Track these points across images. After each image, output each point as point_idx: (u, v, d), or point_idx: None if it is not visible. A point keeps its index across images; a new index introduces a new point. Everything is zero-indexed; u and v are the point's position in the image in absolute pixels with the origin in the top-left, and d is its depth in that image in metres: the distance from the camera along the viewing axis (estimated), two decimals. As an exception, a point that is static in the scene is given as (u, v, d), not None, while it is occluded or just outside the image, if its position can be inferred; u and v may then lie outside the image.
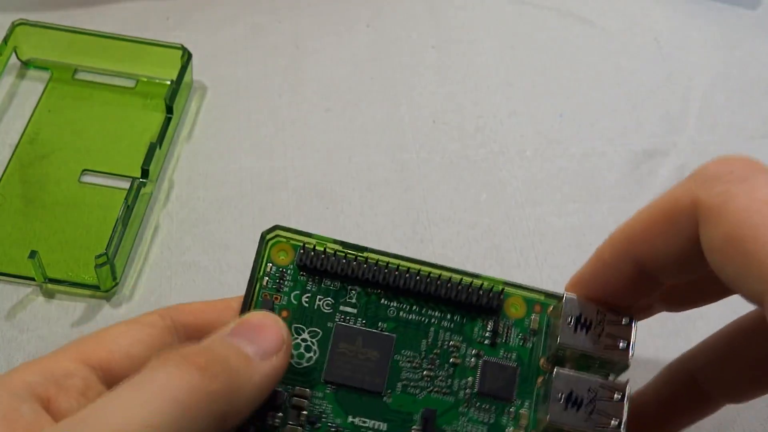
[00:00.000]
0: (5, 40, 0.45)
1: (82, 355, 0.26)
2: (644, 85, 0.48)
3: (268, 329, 0.26)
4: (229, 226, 0.42)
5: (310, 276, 0.29)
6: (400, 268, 0.29)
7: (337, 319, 0.29)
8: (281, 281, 0.29)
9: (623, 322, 0.28)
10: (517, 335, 0.29)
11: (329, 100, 0.47)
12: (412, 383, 0.28)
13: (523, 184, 0.44)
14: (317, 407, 0.28)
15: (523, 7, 0.51)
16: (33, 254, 0.38)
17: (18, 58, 0.47)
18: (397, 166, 0.44)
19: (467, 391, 0.28)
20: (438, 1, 0.51)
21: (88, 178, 0.43)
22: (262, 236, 0.29)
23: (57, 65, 0.47)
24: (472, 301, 0.29)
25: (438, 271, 0.29)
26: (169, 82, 0.46)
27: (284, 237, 0.29)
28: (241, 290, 0.40)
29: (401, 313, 0.29)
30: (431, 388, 0.28)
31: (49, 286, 0.40)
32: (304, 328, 0.28)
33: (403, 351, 0.29)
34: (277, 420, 0.28)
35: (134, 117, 0.45)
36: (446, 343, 0.29)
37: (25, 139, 0.44)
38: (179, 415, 0.22)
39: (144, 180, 0.41)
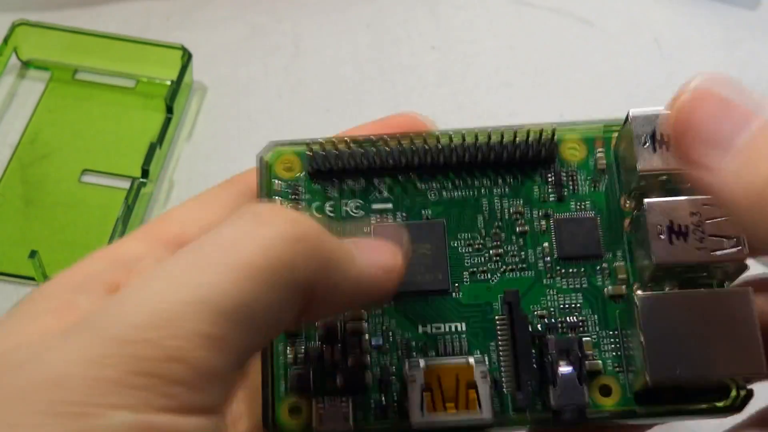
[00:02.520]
0: (5, 40, 0.45)
1: (151, 236, 0.23)
2: (644, 85, 0.48)
3: (382, 247, 0.22)
4: (229, 226, 0.42)
5: (328, 181, 0.25)
6: (427, 142, 0.24)
7: (373, 221, 0.24)
8: (296, 196, 0.25)
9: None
10: (585, 180, 0.25)
11: (329, 100, 0.47)
12: (480, 268, 0.24)
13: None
14: (378, 326, 0.24)
15: (523, 7, 0.51)
16: (33, 254, 0.38)
17: (18, 58, 0.47)
18: (397, 166, 0.44)
19: (547, 259, 0.24)
20: (438, 1, 0.51)
21: (88, 178, 0.43)
22: (259, 158, 0.25)
23: (57, 65, 0.47)
24: (521, 156, 0.24)
25: (471, 133, 0.25)
26: (169, 82, 0.46)
27: (284, 149, 0.25)
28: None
29: (444, 193, 0.25)
30: (503, 267, 0.24)
31: (49, 286, 0.40)
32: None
33: (459, 234, 0.24)
34: (336, 355, 0.23)
35: (134, 117, 0.45)
36: (506, 211, 0.25)
37: (25, 139, 0.44)
38: (245, 278, 0.18)
39: (144, 180, 0.41)
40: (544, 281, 0.24)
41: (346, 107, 0.47)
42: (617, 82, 0.48)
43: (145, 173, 0.41)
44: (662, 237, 0.22)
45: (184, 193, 0.43)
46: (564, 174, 0.25)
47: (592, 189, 0.25)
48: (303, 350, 0.23)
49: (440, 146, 0.25)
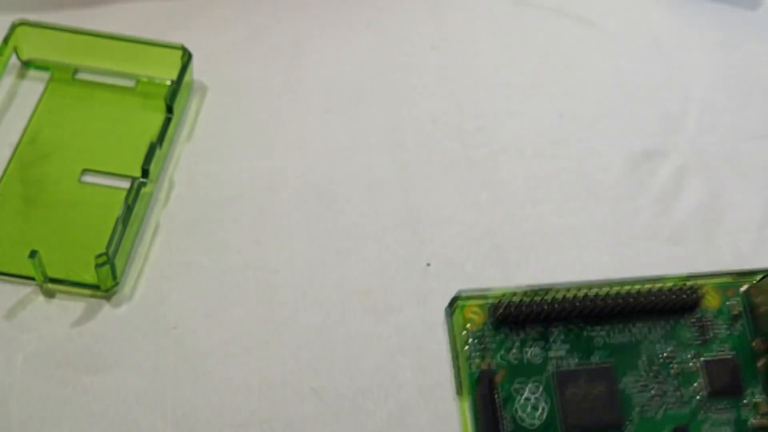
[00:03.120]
0: (5, 40, 0.45)
1: None
2: (644, 86, 0.48)
3: None
4: (229, 226, 0.42)
5: (509, 329, 0.28)
6: (594, 294, 0.28)
7: (550, 366, 0.28)
8: (483, 344, 0.28)
9: None
10: (723, 324, 0.29)
11: (329, 100, 0.47)
12: (645, 406, 0.28)
13: (523, 183, 0.44)
14: None
15: (523, 7, 0.51)
16: (33, 254, 0.38)
17: (18, 58, 0.47)
18: (397, 166, 0.44)
19: (698, 397, 0.28)
20: (438, 1, 0.51)
21: (88, 178, 0.43)
22: (448, 310, 0.28)
23: (57, 65, 0.47)
24: (671, 306, 0.28)
25: (626, 287, 0.28)
26: (169, 82, 0.46)
27: (468, 302, 0.29)
28: (241, 290, 0.40)
29: (609, 339, 0.28)
30: (664, 405, 0.28)
31: (49, 285, 0.40)
32: (524, 386, 0.28)
33: (624, 376, 0.28)
34: None
35: (134, 117, 0.45)
36: (661, 354, 0.28)
37: (25, 139, 0.44)
38: None
39: (144, 180, 0.41)
40: (699, 416, 0.28)
41: (346, 107, 0.47)
42: (617, 82, 0.48)
43: (145, 173, 0.41)
44: None
45: (184, 193, 0.43)
46: (705, 319, 0.29)
47: (729, 333, 0.29)
48: None
49: (603, 295, 0.28)
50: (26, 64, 0.47)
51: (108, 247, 0.38)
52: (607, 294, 0.28)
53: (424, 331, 0.39)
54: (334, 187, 0.44)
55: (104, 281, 0.39)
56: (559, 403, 0.27)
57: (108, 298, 0.40)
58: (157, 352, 0.38)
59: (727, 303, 0.29)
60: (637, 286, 0.28)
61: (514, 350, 0.28)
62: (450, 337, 0.28)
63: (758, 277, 0.28)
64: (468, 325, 0.28)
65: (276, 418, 0.37)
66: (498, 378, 0.27)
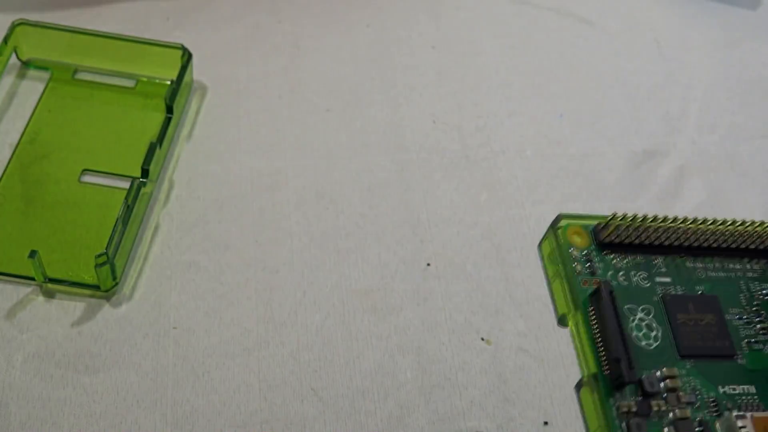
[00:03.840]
0: (5, 40, 0.45)
1: None
2: (644, 85, 0.48)
3: None
4: (229, 226, 0.42)
5: (614, 253, 0.28)
6: (696, 228, 0.28)
7: (659, 291, 0.28)
8: (591, 263, 0.28)
9: None
10: None
11: (329, 100, 0.47)
12: (752, 339, 0.28)
13: (523, 183, 0.44)
14: (687, 385, 0.27)
15: (523, 7, 0.51)
16: (33, 254, 0.38)
17: (18, 58, 0.47)
18: (397, 166, 0.44)
19: None
20: (438, 1, 0.51)
21: (88, 178, 0.43)
22: (552, 228, 0.29)
23: (57, 65, 0.47)
24: (765, 248, 0.29)
25: (727, 225, 0.29)
26: (169, 82, 0.46)
27: (571, 222, 0.29)
28: (241, 290, 0.40)
29: (710, 273, 0.29)
30: None
31: (49, 285, 0.40)
32: (636, 307, 0.28)
33: (730, 308, 0.28)
34: (662, 406, 0.27)
35: (134, 117, 0.45)
36: (761, 292, 0.29)
37: (25, 139, 0.44)
38: None
39: (144, 180, 0.41)
40: None
41: (346, 107, 0.47)
42: (617, 82, 0.48)
43: (145, 173, 0.41)
44: None
45: (184, 193, 0.43)
46: None
47: None
48: (630, 404, 0.26)
49: (704, 230, 0.29)
50: (26, 64, 0.47)
51: (108, 247, 0.38)
52: (707, 229, 0.29)
53: (424, 331, 0.39)
54: (334, 187, 0.44)
55: (104, 281, 0.39)
56: (673, 327, 0.27)
57: (108, 298, 0.40)
58: (156, 352, 0.38)
59: None
60: (733, 227, 0.29)
61: (621, 273, 0.28)
62: (552, 259, 0.28)
63: None
64: (572, 248, 0.28)
65: (276, 418, 0.37)
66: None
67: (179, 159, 0.44)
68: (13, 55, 0.47)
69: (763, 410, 0.27)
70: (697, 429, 0.26)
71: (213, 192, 0.43)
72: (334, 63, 0.49)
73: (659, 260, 0.29)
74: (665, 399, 0.27)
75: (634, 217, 0.28)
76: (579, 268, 0.28)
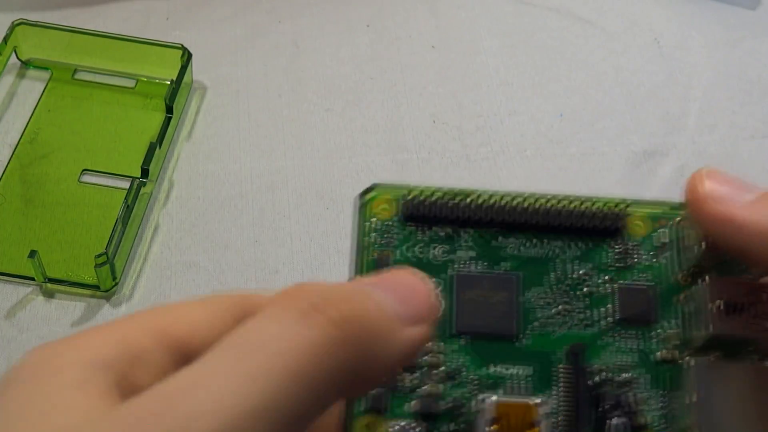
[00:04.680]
0: (5, 40, 0.45)
1: (159, 331, 0.21)
2: (644, 85, 0.48)
3: (419, 289, 0.21)
4: (229, 226, 0.42)
5: (419, 225, 0.27)
6: (514, 202, 0.27)
7: (457, 266, 0.27)
8: (389, 236, 0.27)
9: None
10: (647, 253, 0.28)
11: (329, 100, 0.47)
12: (548, 320, 0.27)
13: (523, 183, 0.44)
14: (454, 361, 0.26)
15: (523, 7, 0.51)
16: (33, 254, 0.38)
17: (18, 58, 0.47)
18: (397, 166, 0.44)
19: (608, 320, 0.27)
20: (438, 1, 0.51)
21: (88, 178, 0.43)
22: (360, 197, 0.28)
23: (57, 65, 0.47)
24: (593, 226, 0.27)
25: (553, 201, 0.27)
26: (169, 82, 0.46)
27: (383, 190, 0.28)
28: (241, 290, 0.40)
29: (522, 249, 0.28)
30: (569, 323, 0.27)
31: (49, 285, 0.40)
32: None
33: (532, 288, 0.27)
34: (415, 380, 0.26)
35: (134, 117, 0.45)
36: (575, 273, 0.27)
37: (25, 139, 0.44)
38: (294, 385, 0.18)
39: (144, 180, 0.41)
40: (604, 339, 0.27)
41: (346, 107, 0.47)
42: (617, 82, 0.48)
43: (144, 173, 0.41)
44: (720, 309, 0.25)
45: (184, 193, 0.43)
46: (629, 245, 0.28)
47: (653, 261, 0.28)
48: None
49: (522, 206, 0.27)
50: (26, 64, 0.47)
51: (108, 247, 0.38)
52: (527, 205, 0.27)
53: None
54: (334, 187, 0.44)
55: (104, 281, 0.39)
56: (456, 303, 0.26)
57: (108, 298, 0.40)
58: (157, 352, 0.38)
59: (657, 231, 0.28)
60: (562, 202, 0.27)
61: (417, 247, 0.27)
62: (356, 222, 0.27)
63: None
64: (374, 218, 0.27)
65: (276, 418, 0.37)
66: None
67: (179, 159, 0.44)
68: (13, 55, 0.47)
69: (534, 394, 0.26)
70: (449, 405, 0.26)
71: (213, 192, 0.43)
72: (334, 63, 0.49)
73: (467, 235, 0.27)
74: (424, 374, 0.26)
75: (448, 191, 0.27)
76: (375, 238, 0.27)
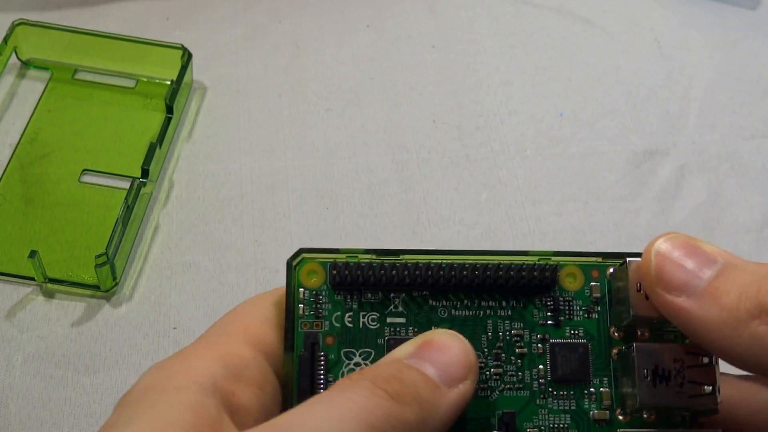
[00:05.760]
0: (5, 40, 0.45)
1: (255, 340, 0.25)
2: (644, 85, 0.48)
3: (454, 352, 0.24)
4: (229, 226, 0.42)
5: (348, 293, 0.27)
6: (442, 264, 0.27)
7: (386, 334, 0.26)
8: (318, 306, 0.27)
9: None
10: (580, 308, 0.27)
11: (329, 100, 0.47)
12: (482, 385, 0.26)
13: (523, 183, 0.44)
14: None
15: (523, 6, 0.51)
16: (33, 254, 0.38)
17: (18, 58, 0.47)
18: (397, 166, 0.44)
19: (541, 381, 0.26)
20: (438, 1, 0.51)
21: (88, 178, 0.43)
22: (288, 263, 0.27)
23: (57, 65, 0.47)
24: (524, 282, 0.27)
25: (482, 258, 0.27)
26: (169, 82, 0.46)
27: (310, 258, 0.27)
28: (241, 290, 0.40)
29: (453, 311, 0.27)
30: (502, 386, 0.27)
31: (49, 286, 0.40)
32: (354, 351, 0.26)
33: None
34: None
35: (134, 117, 0.45)
36: (508, 333, 0.27)
37: (25, 139, 0.44)
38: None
39: (144, 180, 0.41)
40: (538, 401, 0.27)
41: (346, 107, 0.47)
42: (617, 82, 0.48)
43: (145, 173, 0.41)
44: (647, 379, 0.25)
45: (184, 193, 0.43)
46: (561, 301, 0.27)
47: (586, 317, 0.27)
48: None
49: (452, 266, 0.27)
50: (26, 64, 0.47)
51: (108, 247, 0.38)
52: (458, 265, 0.26)
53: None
54: (334, 187, 0.44)
55: (104, 281, 0.39)
56: None
57: (108, 298, 0.40)
58: (157, 352, 0.38)
59: (590, 285, 0.27)
60: (494, 259, 0.26)
61: (349, 315, 0.26)
62: (287, 291, 0.26)
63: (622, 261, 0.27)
64: (302, 288, 0.26)
65: (276, 418, 0.37)
66: (329, 341, 0.26)
67: (179, 159, 0.44)
68: (13, 55, 0.47)
69: None
70: None
71: (213, 192, 0.43)
72: (334, 63, 0.49)
73: (397, 300, 0.27)
74: None
75: (376, 254, 0.27)
76: (305, 310, 0.26)
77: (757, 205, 0.44)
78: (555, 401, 0.26)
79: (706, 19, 0.51)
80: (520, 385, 0.26)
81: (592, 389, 0.26)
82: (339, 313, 0.27)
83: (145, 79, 0.47)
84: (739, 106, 0.48)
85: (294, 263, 0.27)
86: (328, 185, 0.44)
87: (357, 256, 0.27)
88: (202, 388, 0.22)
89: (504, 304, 0.27)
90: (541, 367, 0.27)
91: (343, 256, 0.27)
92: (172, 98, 0.44)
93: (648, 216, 0.43)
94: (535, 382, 0.27)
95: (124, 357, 0.38)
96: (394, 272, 0.27)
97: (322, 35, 0.50)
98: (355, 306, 0.27)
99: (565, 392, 0.26)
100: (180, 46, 0.45)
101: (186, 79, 0.45)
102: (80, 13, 0.49)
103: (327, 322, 0.26)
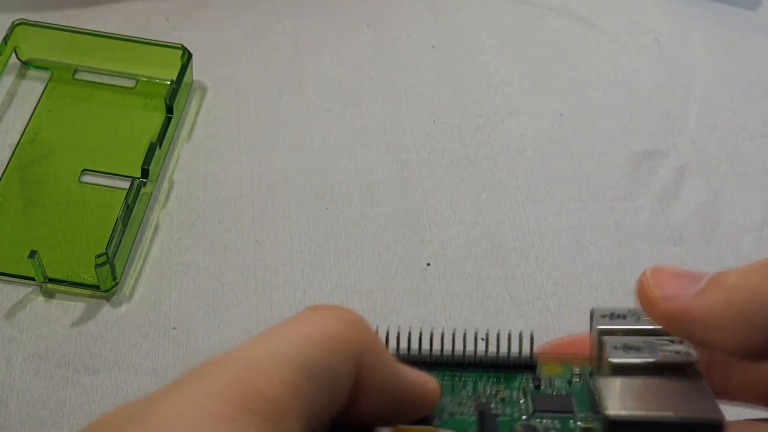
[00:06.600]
0: (5, 40, 0.45)
1: (300, 364, 0.23)
2: (644, 85, 0.48)
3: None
4: (229, 226, 0.42)
5: None
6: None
7: None
8: None
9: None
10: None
11: (329, 100, 0.47)
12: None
13: (523, 183, 0.44)
14: None
15: (523, 7, 0.51)
16: (33, 254, 0.38)
17: (18, 58, 0.47)
18: (397, 166, 0.44)
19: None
20: (438, 1, 0.51)
21: (88, 178, 0.43)
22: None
23: (57, 65, 0.47)
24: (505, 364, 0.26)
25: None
26: (169, 82, 0.46)
27: None
28: (241, 290, 0.40)
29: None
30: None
31: (49, 286, 0.40)
32: None
33: None
34: None
35: (134, 117, 0.45)
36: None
37: (25, 139, 0.44)
38: (319, 343, 0.23)
39: (144, 180, 0.41)
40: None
41: (346, 107, 0.47)
42: (617, 82, 0.48)
43: (145, 173, 0.41)
44: (618, 348, 0.25)
45: (184, 193, 0.43)
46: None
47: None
48: None
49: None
50: (26, 64, 0.47)
51: (108, 247, 0.38)
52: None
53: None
54: (334, 187, 0.44)
55: (104, 281, 0.39)
56: None
57: (108, 298, 0.40)
58: (156, 352, 0.38)
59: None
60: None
61: None
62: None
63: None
64: None
65: (276, 418, 0.37)
66: None
67: (179, 159, 0.44)
68: (13, 55, 0.47)
69: None
70: None
71: (213, 192, 0.43)
72: (335, 63, 0.49)
73: None
74: None
75: None
76: None
77: (757, 205, 0.44)
78: None
79: (706, 19, 0.52)
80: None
81: None
82: None
83: (145, 79, 0.47)
84: (739, 106, 0.48)
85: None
86: (328, 185, 0.44)
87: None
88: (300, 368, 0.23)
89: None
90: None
91: None
92: (172, 98, 0.44)
93: (648, 216, 0.43)
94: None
95: (124, 357, 0.38)
96: None
97: (322, 35, 0.50)
98: None
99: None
100: (180, 46, 0.45)
101: (186, 79, 0.45)
102: (80, 13, 0.49)
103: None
